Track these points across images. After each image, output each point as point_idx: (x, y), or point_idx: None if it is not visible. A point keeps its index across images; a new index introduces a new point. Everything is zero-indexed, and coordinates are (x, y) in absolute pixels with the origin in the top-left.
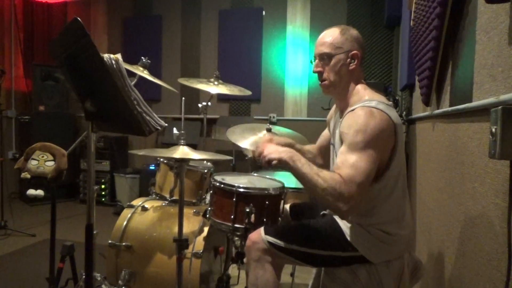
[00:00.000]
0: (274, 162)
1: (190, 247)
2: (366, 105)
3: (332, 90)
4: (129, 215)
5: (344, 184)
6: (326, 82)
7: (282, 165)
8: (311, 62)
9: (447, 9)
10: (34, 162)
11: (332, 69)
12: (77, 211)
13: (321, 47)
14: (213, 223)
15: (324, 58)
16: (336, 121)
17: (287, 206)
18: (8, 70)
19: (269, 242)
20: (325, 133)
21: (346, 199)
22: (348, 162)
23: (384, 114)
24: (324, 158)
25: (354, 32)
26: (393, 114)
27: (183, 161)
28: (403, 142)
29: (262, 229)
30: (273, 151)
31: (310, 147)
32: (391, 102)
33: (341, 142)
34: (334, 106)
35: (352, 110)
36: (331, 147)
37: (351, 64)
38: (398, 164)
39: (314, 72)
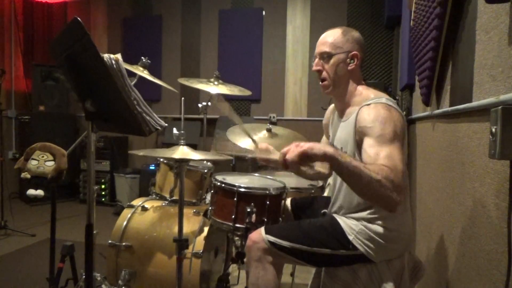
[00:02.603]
0: (314, 155)
1: (190, 247)
2: (379, 101)
3: (332, 90)
4: (129, 215)
5: (392, 172)
6: (326, 82)
7: (327, 161)
8: (313, 61)
9: (447, 9)
10: (34, 162)
11: (331, 68)
12: (77, 211)
13: (322, 46)
14: (214, 223)
15: (324, 57)
16: (335, 124)
17: (288, 200)
18: (8, 70)
19: (270, 242)
20: (324, 140)
21: (399, 188)
22: (383, 154)
23: (397, 110)
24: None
25: (355, 33)
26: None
27: (183, 161)
28: (406, 139)
29: (262, 228)
30: (313, 147)
31: None
32: (395, 101)
33: (356, 140)
34: (329, 109)
35: (368, 105)
36: None
37: (350, 65)
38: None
39: (313, 70)
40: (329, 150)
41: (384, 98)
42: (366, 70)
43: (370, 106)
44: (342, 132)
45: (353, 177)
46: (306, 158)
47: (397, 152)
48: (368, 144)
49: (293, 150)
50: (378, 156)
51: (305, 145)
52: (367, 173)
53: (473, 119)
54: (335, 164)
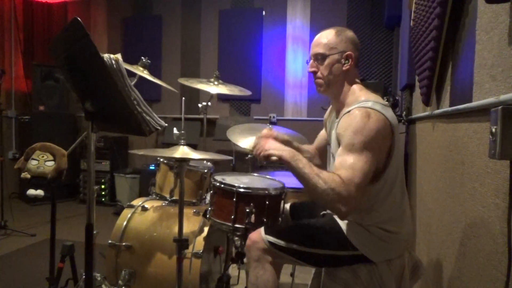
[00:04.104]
0: (274, 158)
1: (190, 247)
2: (362, 105)
3: (326, 88)
4: (129, 215)
5: (344, 185)
6: (319, 80)
7: (282, 162)
8: (307, 63)
9: (447, 9)
10: (34, 162)
11: (325, 68)
12: (77, 211)
13: (316, 48)
14: (213, 223)
15: (318, 58)
16: (332, 122)
17: (287, 206)
18: (8, 70)
19: (270, 242)
20: (322, 133)
21: (346, 200)
22: (346, 164)
23: (380, 115)
24: (321, 159)
25: (349, 33)
26: (390, 114)
27: (183, 161)
28: (400, 141)
29: (262, 228)
30: (275, 148)
31: (307, 147)
32: (387, 102)
33: (338, 143)
34: (330, 107)
35: (349, 111)
36: (328, 147)
37: (345, 65)
38: (395, 164)
39: (309, 72)
40: (285, 154)
41: (371, 102)
42: (366, 70)
43: (350, 113)
44: (334, 132)
45: (301, 181)
46: (268, 157)
47: (362, 162)
48: (338, 152)
49: (260, 149)
50: (341, 165)
51: (268, 144)
52: (315, 181)
53: (473, 119)
54: (288, 167)
